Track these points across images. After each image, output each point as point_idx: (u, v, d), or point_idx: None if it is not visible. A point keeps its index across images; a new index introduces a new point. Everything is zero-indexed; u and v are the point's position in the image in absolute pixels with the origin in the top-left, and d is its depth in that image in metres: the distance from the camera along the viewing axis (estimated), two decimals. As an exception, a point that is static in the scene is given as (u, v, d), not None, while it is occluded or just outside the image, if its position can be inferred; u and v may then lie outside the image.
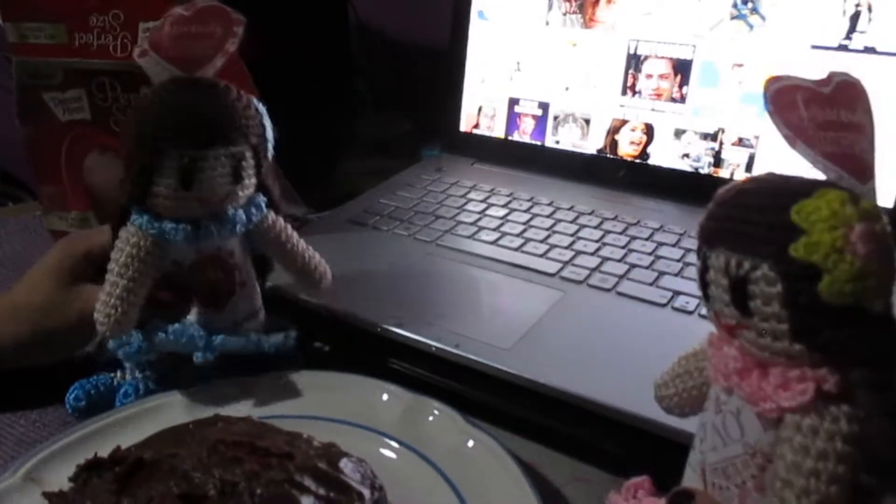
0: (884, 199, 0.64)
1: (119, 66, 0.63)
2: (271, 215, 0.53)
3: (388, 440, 0.47)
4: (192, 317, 0.51)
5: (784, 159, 0.30)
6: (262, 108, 0.50)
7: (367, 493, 0.36)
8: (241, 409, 0.49)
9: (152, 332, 0.50)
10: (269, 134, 0.50)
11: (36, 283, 0.53)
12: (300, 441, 0.39)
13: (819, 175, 0.29)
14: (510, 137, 0.84)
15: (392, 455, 0.46)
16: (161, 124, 0.46)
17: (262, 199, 0.52)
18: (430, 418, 0.48)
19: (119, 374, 0.52)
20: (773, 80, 0.30)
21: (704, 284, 0.31)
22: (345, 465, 0.37)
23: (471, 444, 0.46)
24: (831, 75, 0.30)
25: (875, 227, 0.27)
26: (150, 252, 0.48)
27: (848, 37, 0.65)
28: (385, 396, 0.50)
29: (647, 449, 0.44)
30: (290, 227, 0.54)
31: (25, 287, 0.54)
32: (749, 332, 0.29)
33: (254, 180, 0.50)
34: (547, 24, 0.79)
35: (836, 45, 0.65)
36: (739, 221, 0.29)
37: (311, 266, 0.55)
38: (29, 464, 0.44)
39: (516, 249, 0.65)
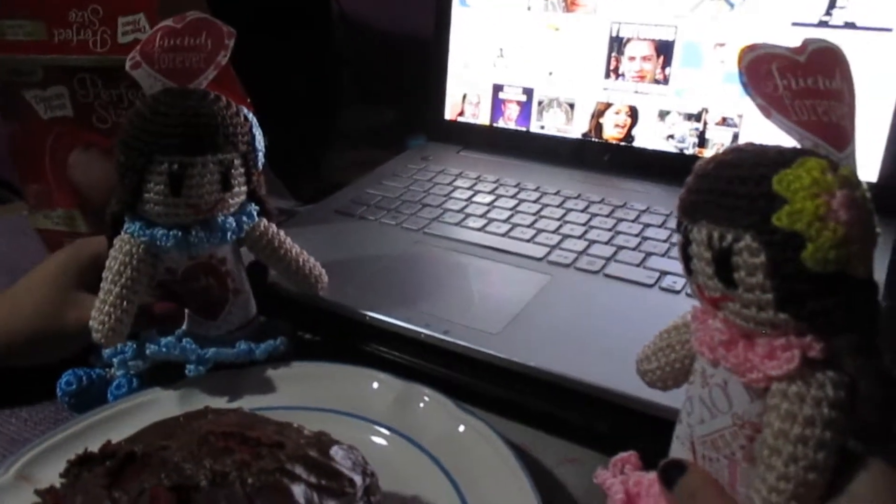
0: (867, 174, 0.65)
1: (100, 61, 0.62)
2: (263, 222, 0.53)
3: (378, 428, 0.47)
4: (185, 324, 0.52)
5: (768, 137, 0.30)
6: (251, 118, 0.51)
7: (358, 479, 0.36)
8: (232, 401, 0.49)
9: (145, 344, 0.50)
10: (259, 143, 0.51)
11: (37, 286, 0.53)
12: (290, 430, 0.39)
13: (796, 144, 0.29)
14: (495, 124, 0.84)
15: (383, 442, 0.47)
16: (150, 131, 0.47)
17: (253, 208, 0.52)
18: (421, 405, 0.48)
19: (112, 370, 0.52)
20: (747, 50, 0.30)
21: (686, 258, 0.31)
22: (336, 452, 0.37)
23: (462, 428, 0.46)
24: (806, 42, 0.29)
25: (856, 194, 0.27)
26: (143, 259, 0.49)
27: (828, 13, 0.65)
28: (375, 385, 0.50)
29: (636, 427, 0.44)
30: (283, 234, 0.54)
31: (25, 289, 0.54)
32: (734, 304, 0.29)
33: (244, 188, 0.51)
34: (529, 8, 0.79)
35: (816, 21, 0.65)
36: (720, 193, 0.29)
37: (307, 270, 0.55)
38: (20, 462, 0.44)
39: (503, 235, 0.65)
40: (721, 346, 0.31)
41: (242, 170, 0.50)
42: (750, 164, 0.29)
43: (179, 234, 0.49)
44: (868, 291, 0.28)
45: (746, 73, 0.29)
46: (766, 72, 0.29)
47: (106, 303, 0.48)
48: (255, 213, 0.52)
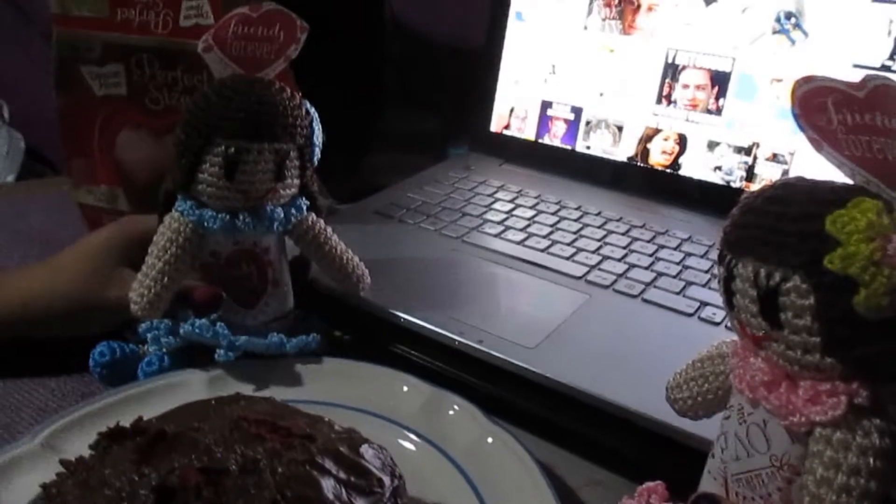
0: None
1: (159, 42, 0.63)
2: (312, 217, 0.53)
3: (406, 432, 0.47)
4: (221, 312, 0.52)
5: (819, 176, 0.29)
6: (313, 112, 0.51)
7: (387, 479, 0.36)
8: (261, 390, 0.49)
9: (179, 323, 0.51)
10: (317, 138, 0.51)
11: (81, 258, 0.54)
12: (322, 424, 0.38)
13: (847, 180, 0.29)
14: (540, 140, 0.83)
15: (411, 447, 0.46)
16: (211, 114, 0.47)
17: (303, 202, 0.53)
18: (451, 413, 0.48)
19: (145, 347, 0.52)
20: (801, 82, 0.29)
21: (729, 293, 0.30)
22: (366, 450, 0.37)
23: (490, 440, 0.45)
24: (867, 78, 0.29)
25: None
26: (189, 238, 0.49)
27: (892, 57, 0.64)
28: (405, 388, 0.50)
29: (665, 455, 0.44)
30: (331, 230, 0.54)
31: (69, 260, 0.54)
32: (777, 345, 0.29)
33: (297, 181, 0.51)
34: (585, 28, 0.79)
35: (878, 65, 0.65)
36: (769, 230, 0.28)
37: (349, 269, 0.55)
38: (48, 430, 0.44)
39: (543, 251, 0.64)
40: (762, 386, 0.30)
41: (297, 162, 0.50)
42: (801, 201, 0.28)
43: (227, 217, 0.49)
44: None
45: (799, 105, 0.29)
46: (820, 105, 0.29)
47: (148, 276, 0.49)
48: (304, 207, 0.53)
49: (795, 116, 0.29)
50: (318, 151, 0.52)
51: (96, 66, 0.65)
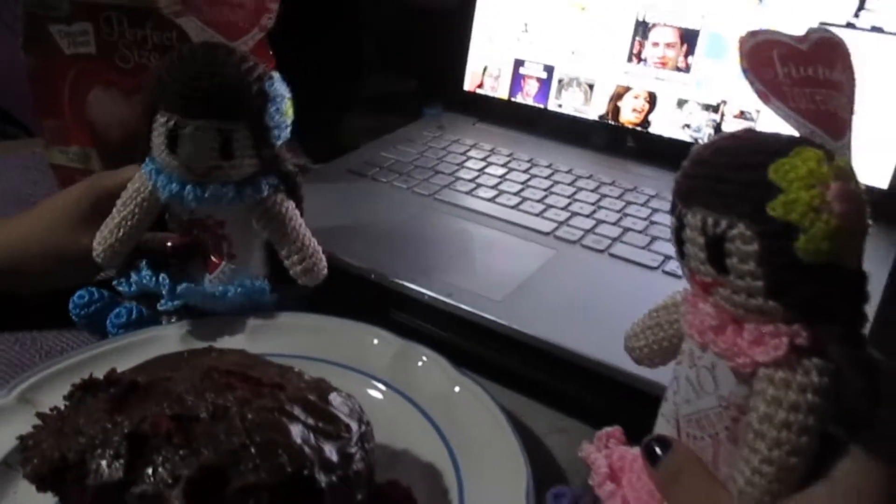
0: (879, 180, 0.65)
1: (127, 1, 0.62)
2: (276, 198, 0.51)
3: (375, 382, 0.48)
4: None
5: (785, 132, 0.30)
6: (273, 90, 0.49)
7: (354, 425, 0.37)
8: (234, 344, 0.50)
9: (130, 272, 0.52)
10: (275, 117, 0.49)
11: (53, 211, 0.55)
12: (291, 374, 0.39)
13: (794, 132, 0.30)
14: (513, 99, 0.84)
15: (379, 396, 0.47)
16: (161, 85, 0.47)
17: (266, 182, 0.51)
18: (419, 364, 0.49)
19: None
20: (749, 36, 0.30)
21: (680, 242, 0.31)
22: (334, 398, 0.38)
23: (457, 389, 0.47)
24: (809, 32, 0.30)
25: (850, 186, 0.27)
26: (147, 198, 0.51)
27: (856, 14, 0.65)
28: (375, 341, 0.51)
29: (626, 402, 0.45)
30: (298, 216, 0.52)
31: (40, 214, 0.55)
32: (724, 290, 0.30)
33: (252, 160, 0.50)
34: (557, -14, 0.79)
35: (844, 22, 0.65)
36: (716, 180, 0.29)
37: (298, 260, 0.52)
38: (24, 385, 0.45)
39: (513, 207, 0.65)
40: (710, 330, 0.31)
41: (249, 142, 0.49)
42: (746, 151, 0.29)
43: (175, 188, 0.49)
44: (857, 282, 0.29)
45: (747, 59, 0.30)
46: (766, 58, 0.29)
47: (108, 226, 0.51)
48: (264, 188, 0.51)
49: (744, 70, 0.30)
50: (278, 132, 0.50)
51: (65, 24, 0.65)
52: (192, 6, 0.48)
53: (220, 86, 0.47)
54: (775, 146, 0.28)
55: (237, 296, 0.52)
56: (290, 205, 0.52)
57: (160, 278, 0.51)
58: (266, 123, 0.49)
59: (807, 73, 0.29)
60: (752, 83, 0.30)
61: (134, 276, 0.52)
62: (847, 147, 0.29)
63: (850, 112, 0.30)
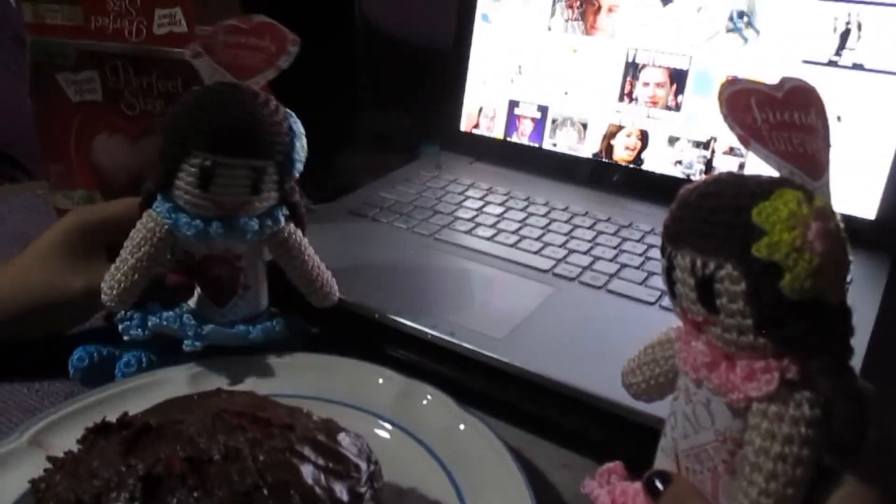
0: (866, 211, 0.67)
1: (133, 49, 0.64)
2: (289, 228, 0.53)
3: (381, 421, 0.49)
4: (192, 303, 0.54)
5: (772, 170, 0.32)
6: (296, 127, 0.51)
7: (363, 465, 0.38)
8: (242, 385, 0.51)
9: (149, 315, 0.52)
10: (298, 154, 0.52)
11: (41, 254, 0.54)
12: (300, 415, 0.40)
13: (774, 173, 0.31)
14: (509, 138, 0.86)
15: (385, 435, 0.48)
16: (192, 124, 0.48)
17: (282, 212, 0.53)
18: (424, 402, 0.50)
19: (119, 352, 0.54)
20: (727, 84, 0.31)
21: (671, 282, 0.33)
22: (343, 438, 0.39)
23: (462, 427, 0.47)
24: (783, 80, 0.31)
25: (830, 225, 0.29)
26: (163, 239, 0.51)
27: (838, 53, 0.67)
28: (380, 380, 0.52)
29: (628, 436, 0.46)
30: (306, 243, 0.54)
31: (30, 257, 0.55)
32: (715, 328, 0.31)
33: (274, 194, 0.52)
34: (549, 29, 0.81)
35: (825, 60, 0.68)
36: (702, 222, 0.31)
37: (318, 285, 0.55)
38: (34, 428, 0.45)
39: (511, 246, 0.67)
40: (704, 367, 0.32)
41: (275, 177, 0.51)
42: (730, 194, 0.30)
43: (201, 225, 0.50)
44: (841, 316, 0.30)
45: (727, 105, 0.31)
46: (745, 104, 0.31)
47: (119, 270, 0.50)
48: (281, 218, 0.53)
49: (724, 116, 0.31)
50: (299, 166, 0.52)
51: (71, 72, 0.66)
52: (208, 48, 0.49)
53: (258, 126, 0.48)
54: (757, 189, 0.30)
55: (259, 333, 0.53)
56: (300, 232, 0.54)
57: (185, 319, 0.52)
58: (293, 159, 0.51)
59: (783, 117, 0.31)
60: (732, 128, 0.31)
61: (153, 319, 0.51)
62: (826, 187, 0.31)
63: (827, 154, 0.31)
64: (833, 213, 0.30)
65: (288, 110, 0.52)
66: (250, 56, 0.50)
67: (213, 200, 0.49)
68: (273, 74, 0.51)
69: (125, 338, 0.53)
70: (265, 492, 0.34)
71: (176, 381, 0.50)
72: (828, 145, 0.31)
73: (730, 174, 0.32)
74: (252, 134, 0.48)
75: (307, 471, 0.35)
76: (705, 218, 0.31)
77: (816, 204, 0.29)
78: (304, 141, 0.52)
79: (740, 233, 0.29)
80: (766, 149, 0.31)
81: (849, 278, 0.30)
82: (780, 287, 0.28)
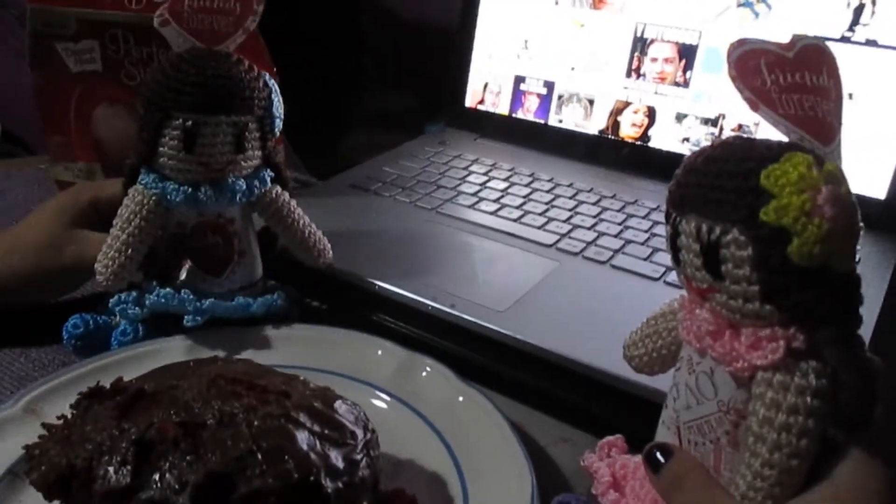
0: (876, 190, 0.66)
1: (133, 18, 0.63)
2: (276, 189, 0.54)
3: (380, 392, 0.49)
4: (183, 275, 0.53)
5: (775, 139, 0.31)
6: (272, 84, 0.51)
7: (360, 433, 0.37)
8: (239, 356, 0.50)
9: (145, 293, 0.52)
10: (277, 110, 0.52)
11: (36, 223, 0.55)
12: (297, 382, 0.40)
13: (784, 138, 0.30)
14: (514, 115, 0.85)
15: (383, 406, 0.48)
16: (169, 88, 0.48)
17: (267, 174, 0.53)
18: (423, 374, 0.49)
19: (116, 318, 0.53)
20: (736, 45, 0.30)
21: (675, 249, 0.32)
22: (339, 406, 0.38)
23: (461, 399, 0.47)
24: (794, 39, 0.30)
25: (840, 190, 0.28)
26: (152, 211, 0.50)
27: (851, 29, 0.66)
28: (379, 352, 0.51)
29: (628, 410, 0.45)
30: (294, 203, 0.55)
31: (25, 226, 0.55)
32: (720, 295, 0.30)
33: (258, 153, 0.52)
34: (556, 3, 0.80)
35: (838, 36, 0.66)
36: (709, 187, 0.30)
37: (311, 242, 0.55)
38: (29, 396, 0.45)
39: (515, 220, 0.66)
40: (708, 335, 0.31)
41: (257, 134, 0.51)
42: (738, 158, 0.29)
43: (189, 190, 0.50)
44: (850, 285, 0.29)
45: (735, 67, 0.30)
46: (754, 66, 0.30)
47: (112, 248, 0.50)
48: (268, 179, 0.53)
49: (732, 78, 0.30)
50: (279, 123, 0.52)
51: (71, 42, 0.66)
52: (176, 15, 0.49)
53: (236, 81, 0.49)
54: (765, 152, 0.29)
55: (260, 306, 0.53)
56: (287, 194, 0.55)
57: (183, 294, 0.51)
58: (273, 115, 0.51)
59: (794, 79, 0.30)
60: (740, 91, 0.30)
61: (151, 297, 0.51)
62: (836, 152, 0.30)
63: (839, 117, 0.30)
64: (844, 177, 0.29)
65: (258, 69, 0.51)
66: (218, 20, 0.49)
67: (198, 162, 0.49)
68: (242, 38, 0.50)
69: (122, 321, 0.52)
70: (259, 457, 0.33)
71: (173, 351, 0.50)
72: (840, 107, 0.30)
73: (737, 138, 0.31)
74: (231, 90, 0.48)
75: (302, 437, 0.35)
76: (711, 182, 0.30)
77: (827, 168, 0.28)
78: (280, 98, 0.52)
79: (747, 197, 0.28)
80: (775, 113, 0.30)
81: (858, 245, 0.29)
82: (788, 253, 0.28)
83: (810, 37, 0.30)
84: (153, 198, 0.50)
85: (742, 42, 0.30)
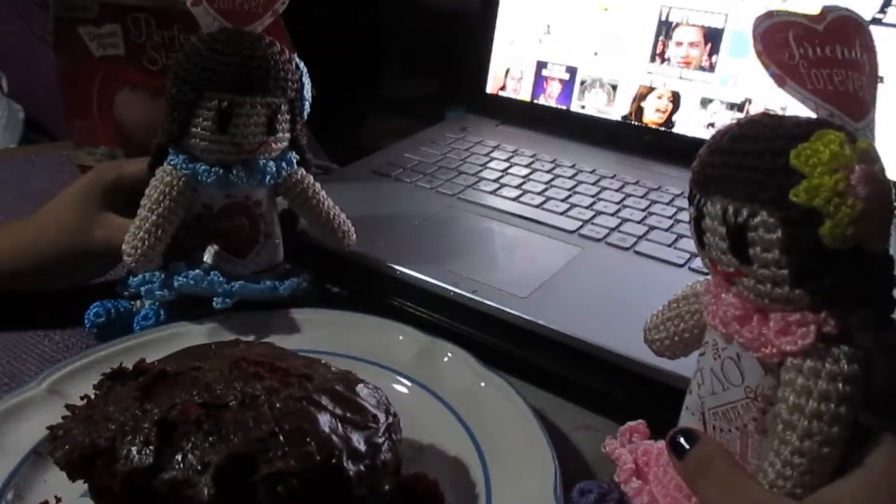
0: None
1: (155, 2, 0.63)
2: (301, 172, 0.54)
3: (401, 377, 0.48)
4: (207, 258, 0.52)
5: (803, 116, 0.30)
6: (302, 66, 0.52)
7: (382, 416, 0.37)
8: (261, 339, 0.50)
9: (173, 275, 0.51)
10: (307, 92, 0.52)
11: (62, 207, 0.55)
12: (318, 365, 0.40)
13: (812, 114, 0.29)
14: (536, 101, 0.84)
15: (404, 391, 0.48)
16: (204, 67, 0.48)
17: (293, 156, 0.54)
18: (445, 359, 0.49)
19: (139, 302, 0.54)
20: (763, 17, 0.29)
21: (699, 232, 0.31)
22: (361, 389, 0.38)
23: (483, 385, 0.47)
24: (825, 10, 0.29)
25: (875, 168, 0.27)
26: (182, 192, 0.50)
27: (882, 10, 0.64)
28: (401, 337, 0.51)
29: (651, 397, 0.45)
30: (319, 186, 0.55)
31: (51, 211, 0.55)
32: (748, 280, 0.29)
33: (287, 134, 0.52)
34: (579, -13, 0.79)
35: (869, 18, 0.65)
36: (735, 168, 0.29)
37: (335, 224, 0.56)
38: (53, 377, 0.45)
39: (537, 206, 0.65)
40: (735, 320, 0.30)
41: (288, 116, 0.51)
42: (766, 137, 0.28)
43: (221, 171, 0.50)
44: (884, 266, 0.28)
45: (761, 41, 0.29)
46: (782, 40, 0.29)
47: (141, 229, 0.50)
48: (294, 161, 0.54)
49: (758, 53, 0.29)
50: (307, 106, 0.53)
51: (94, 26, 0.66)
52: None
53: (271, 63, 0.49)
54: (795, 130, 0.28)
55: (287, 288, 0.53)
56: (310, 176, 0.55)
57: (213, 276, 0.51)
58: (303, 97, 0.52)
59: (824, 53, 0.29)
60: (766, 66, 0.29)
61: (179, 279, 0.51)
62: (870, 128, 0.29)
63: (872, 91, 0.29)
64: (877, 155, 0.28)
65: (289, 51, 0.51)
66: (248, 1, 0.49)
67: (231, 142, 0.49)
68: (270, 20, 0.50)
69: (146, 302, 0.52)
70: (281, 438, 0.33)
71: (195, 334, 0.50)
72: (874, 81, 0.29)
73: (764, 114, 0.30)
74: (266, 71, 0.48)
75: (324, 419, 0.35)
76: (738, 162, 0.29)
77: (860, 146, 0.27)
78: (310, 81, 0.52)
79: (777, 177, 0.27)
80: (803, 88, 0.28)
81: (893, 226, 0.28)
82: (820, 235, 0.27)
83: (842, 8, 0.29)
84: (183, 178, 0.50)
85: (769, 14, 0.29)
